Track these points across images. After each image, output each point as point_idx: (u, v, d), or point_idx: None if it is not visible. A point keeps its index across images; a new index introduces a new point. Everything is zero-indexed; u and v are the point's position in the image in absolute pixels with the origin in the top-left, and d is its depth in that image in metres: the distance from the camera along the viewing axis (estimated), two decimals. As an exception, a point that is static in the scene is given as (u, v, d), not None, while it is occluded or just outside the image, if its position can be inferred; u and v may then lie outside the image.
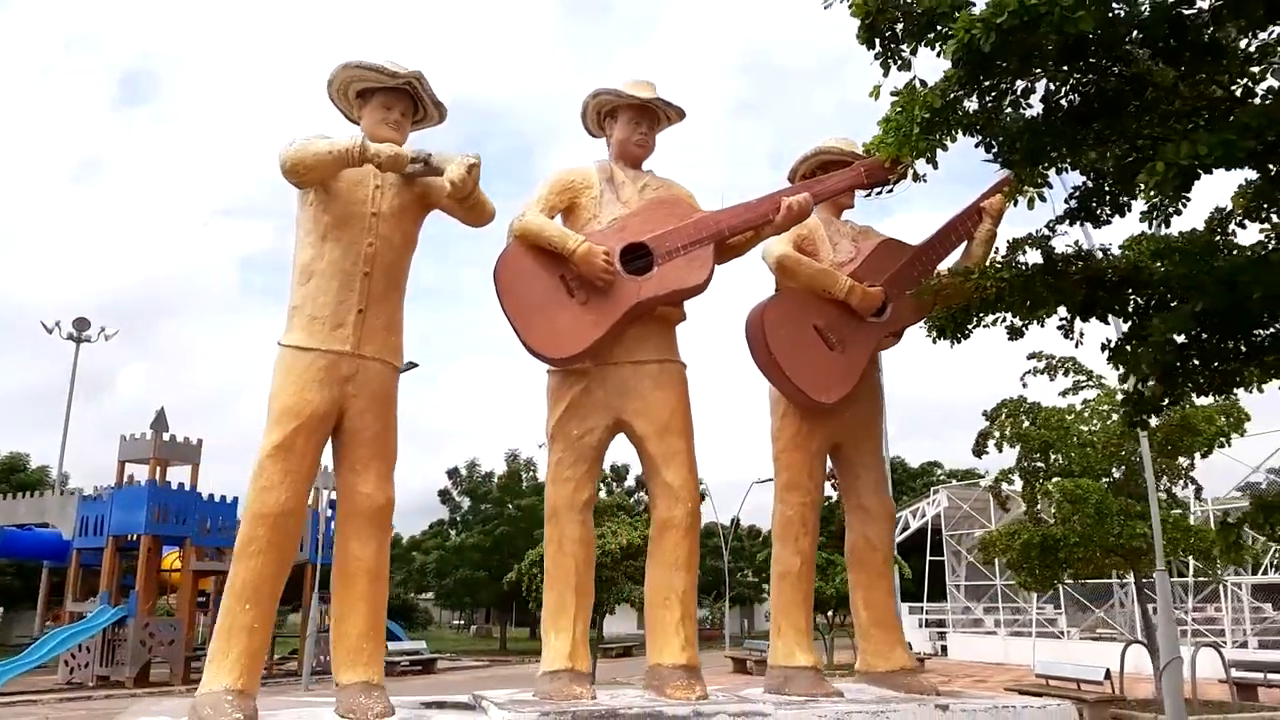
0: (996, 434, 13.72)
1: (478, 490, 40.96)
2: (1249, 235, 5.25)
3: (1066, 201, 5.05)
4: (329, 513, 23.64)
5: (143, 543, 21.49)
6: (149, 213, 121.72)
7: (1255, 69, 4.44)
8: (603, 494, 28.77)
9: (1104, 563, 13.72)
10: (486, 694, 4.66)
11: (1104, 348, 5.70)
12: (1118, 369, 5.81)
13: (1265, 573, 22.13)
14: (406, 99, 4.71)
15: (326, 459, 4.54)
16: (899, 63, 4.51)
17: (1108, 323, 5.75)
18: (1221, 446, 12.21)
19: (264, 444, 4.17)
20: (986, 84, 4.37)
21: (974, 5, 4.21)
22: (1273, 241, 4.94)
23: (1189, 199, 4.61)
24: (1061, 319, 5.42)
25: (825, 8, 4.61)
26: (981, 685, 17.13)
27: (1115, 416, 13.12)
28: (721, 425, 50.60)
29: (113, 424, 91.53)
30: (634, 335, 4.79)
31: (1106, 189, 4.89)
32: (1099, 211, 4.98)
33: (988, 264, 5.28)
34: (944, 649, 29.77)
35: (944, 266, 5.59)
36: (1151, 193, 4.14)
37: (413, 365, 21.44)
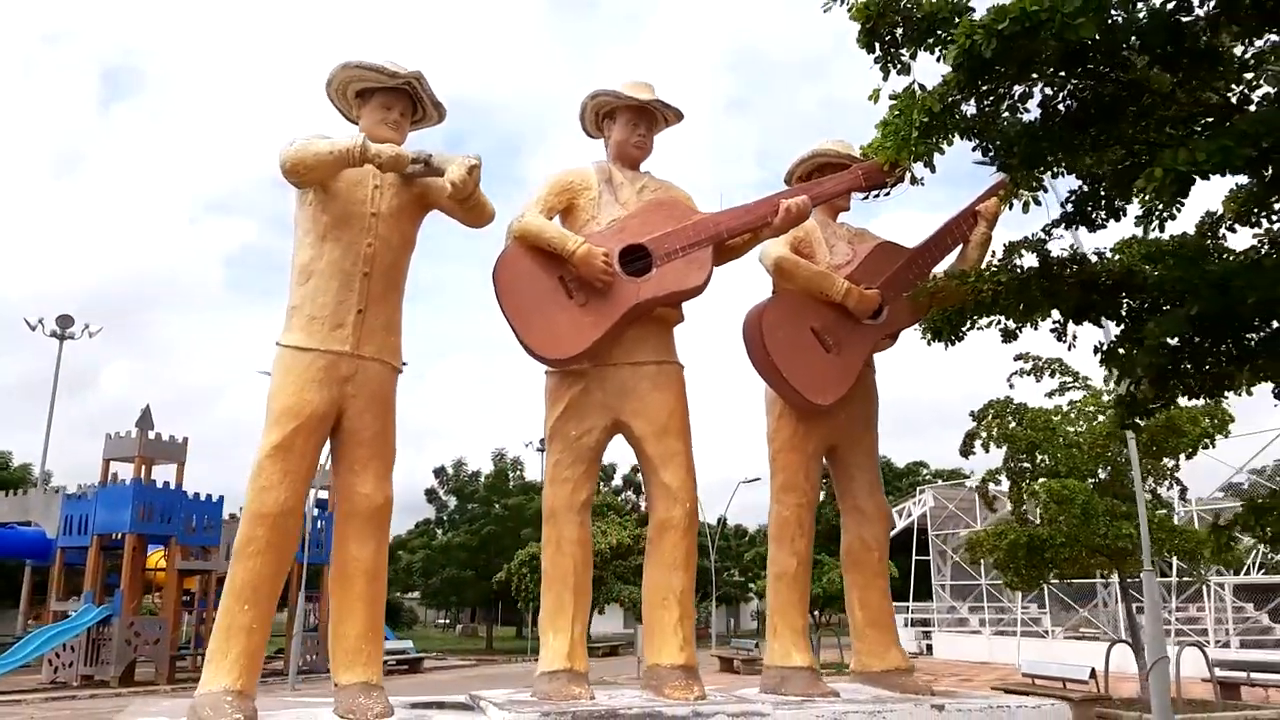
0: (983, 434, 13.81)
1: (464, 489, 40.88)
2: (1238, 239, 5.31)
3: (1063, 205, 5.09)
4: (315, 511, 23.55)
5: (128, 541, 21.40)
6: (133, 209, 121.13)
7: (1250, 76, 4.48)
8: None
9: (1090, 563, 13.80)
10: (485, 694, 4.66)
11: (1097, 350, 5.75)
12: (1111, 371, 5.86)
13: (1248, 573, 22.31)
14: (406, 99, 4.71)
15: (323, 458, 4.53)
16: (898, 67, 4.52)
17: (1101, 326, 5.80)
18: (1206, 448, 12.29)
19: (263, 444, 4.15)
20: (985, 89, 4.39)
21: (974, 11, 4.23)
22: (1265, 246, 4.98)
23: (1184, 204, 4.66)
24: (1055, 322, 5.45)
25: (825, 11, 4.62)
26: (968, 684, 17.22)
27: (1101, 417, 13.23)
28: (709, 425, 50.69)
29: (96, 421, 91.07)
30: (632, 336, 4.80)
31: (1102, 194, 4.93)
32: (1094, 216, 5.02)
33: (983, 267, 5.32)
34: (929, 648, 29.93)
35: (940, 269, 5.63)
36: (1148, 198, 4.17)
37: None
